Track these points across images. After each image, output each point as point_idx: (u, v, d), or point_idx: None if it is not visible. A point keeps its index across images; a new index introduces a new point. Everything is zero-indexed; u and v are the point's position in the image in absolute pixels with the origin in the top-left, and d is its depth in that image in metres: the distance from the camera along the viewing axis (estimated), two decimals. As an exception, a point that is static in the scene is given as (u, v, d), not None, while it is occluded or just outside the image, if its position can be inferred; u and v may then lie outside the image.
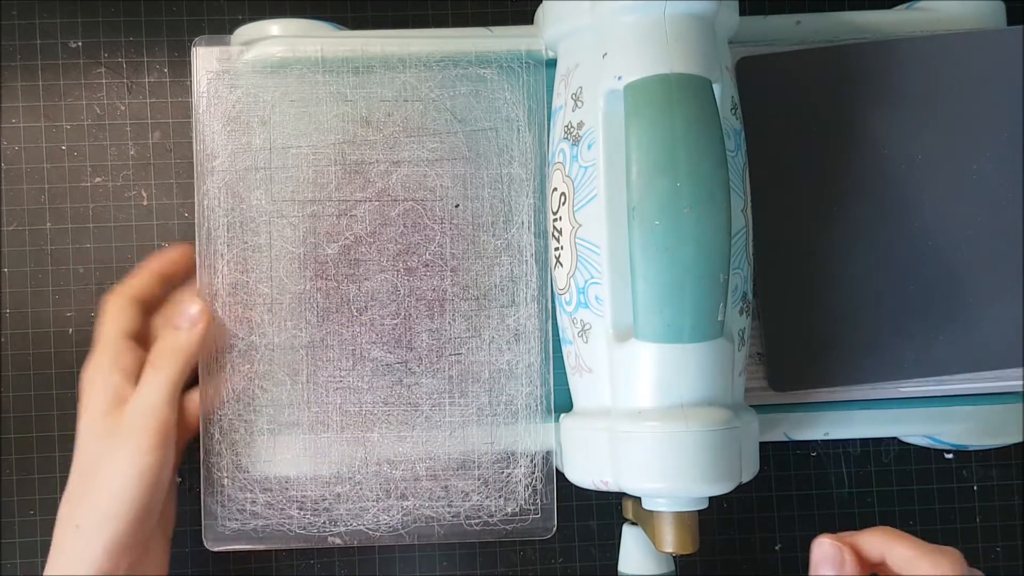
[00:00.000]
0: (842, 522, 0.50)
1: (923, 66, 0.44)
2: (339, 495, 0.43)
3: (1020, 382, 0.45)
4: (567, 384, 0.43)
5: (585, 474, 0.41)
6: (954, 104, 0.44)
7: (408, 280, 0.44)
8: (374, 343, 0.44)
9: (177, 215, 0.49)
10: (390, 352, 0.44)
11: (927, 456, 0.51)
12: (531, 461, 0.44)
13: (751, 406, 0.42)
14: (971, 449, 0.48)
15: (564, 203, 0.41)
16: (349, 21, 0.49)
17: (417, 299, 0.44)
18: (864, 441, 0.50)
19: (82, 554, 0.39)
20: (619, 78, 0.38)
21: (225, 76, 0.44)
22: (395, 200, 0.44)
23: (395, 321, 0.44)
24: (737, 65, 0.44)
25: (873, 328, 0.44)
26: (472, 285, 0.44)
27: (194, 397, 0.43)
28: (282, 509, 0.43)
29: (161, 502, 0.41)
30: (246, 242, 0.43)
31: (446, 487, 0.44)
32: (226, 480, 0.43)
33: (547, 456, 0.44)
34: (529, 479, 0.44)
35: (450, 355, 0.44)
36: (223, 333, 0.43)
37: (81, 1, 0.50)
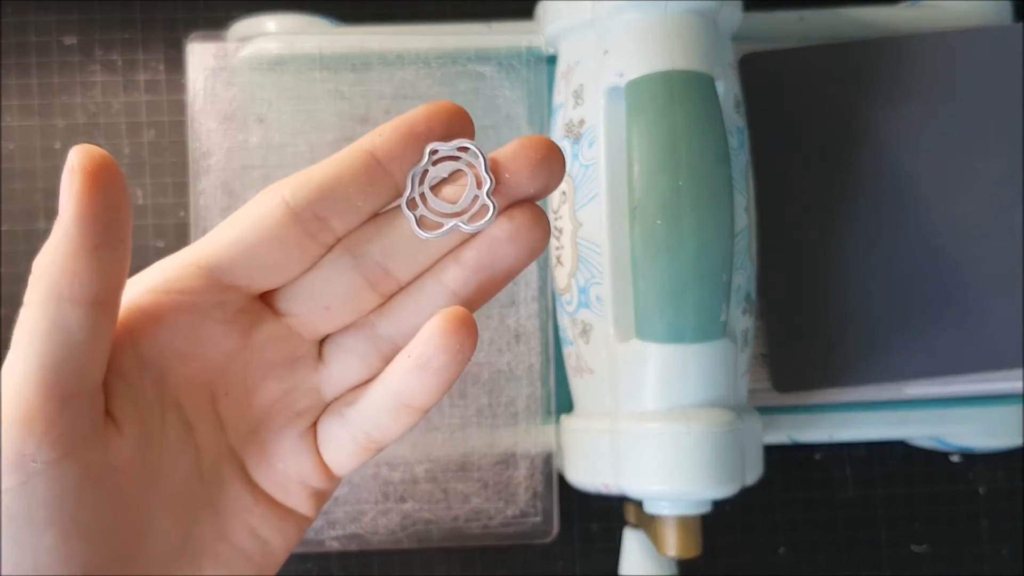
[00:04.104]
0: (846, 526, 0.49)
1: (928, 63, 0.44)
2: (337, 498, 0.43)
3: (1027, 383, 0.44)
4: (568, 385, 0.43)
5: (586, 476, 0.40)
6: (959, 102, 0.44)
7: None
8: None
9: (172, 214, 0.49)
10: (388, 353, 0.43)
11: (933, 459, 0.50)
12: (531, 463, 0.43)
13: (754, 408, 0.42)
14: (978, 452, 0.48)
15: (565, 202, 0.41)
16: (347, 17, 0.49)
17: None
18: (869, 443, 0.50)
19: None
20: (620, 75, 0.37)
21: (221, 73, 0.43)
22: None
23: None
24: (740, 62, 0.43)
25: (877, 328, 0.44)
26: (471, 285, 0.44)
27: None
28: (279, 512, 0.43)
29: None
30: (242, 241, 0.43)
31: (445, 490, 0.43)
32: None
33: (548, 458, 0.43)
34: (529, 481, 0.43)
35: (449, 356, 0.43)
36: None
37: (76, -2, 0.49)
